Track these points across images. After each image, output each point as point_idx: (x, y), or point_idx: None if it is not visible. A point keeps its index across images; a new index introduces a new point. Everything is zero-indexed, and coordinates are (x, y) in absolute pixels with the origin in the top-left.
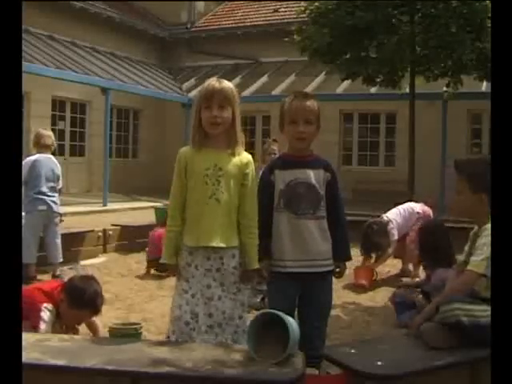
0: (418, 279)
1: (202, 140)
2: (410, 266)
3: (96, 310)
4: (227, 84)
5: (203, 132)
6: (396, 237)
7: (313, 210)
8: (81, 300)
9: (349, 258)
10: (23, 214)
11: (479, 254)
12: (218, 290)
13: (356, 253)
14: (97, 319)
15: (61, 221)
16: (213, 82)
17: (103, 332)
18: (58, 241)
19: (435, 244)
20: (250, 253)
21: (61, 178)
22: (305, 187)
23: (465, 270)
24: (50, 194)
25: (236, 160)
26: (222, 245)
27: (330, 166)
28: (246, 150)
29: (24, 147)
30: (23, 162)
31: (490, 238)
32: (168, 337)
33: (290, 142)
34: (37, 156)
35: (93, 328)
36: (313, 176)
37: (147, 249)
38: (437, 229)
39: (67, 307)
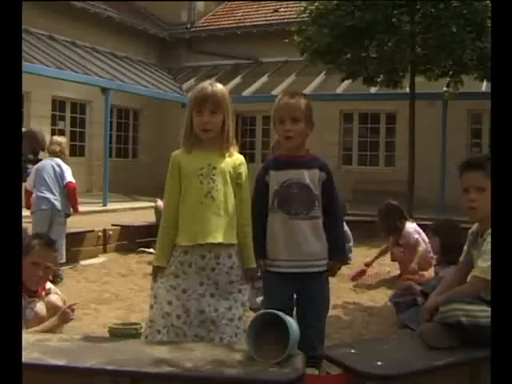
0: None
1: (194, 143)
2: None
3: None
4: (219, 88)
5: (195, 135)
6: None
7: (306, 210)
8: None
9: (345, 259)
10: (29, 213)
11: (487, 260)
12: (212, 288)
13: (356, 253)
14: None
15: (67, 216)
16: (205, 85)
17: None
18: (61, 241)
19: (454, 240)
20: (247, 252)
21: (67, 175)
22: (298, 187)
23: (474, 276)
24: (53, 191)
25: (229, 160)
26: (220, 240)
27: (326, 166)
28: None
29: None
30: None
31: None
32: (146, 336)
33: (281, 142)
34: (41, 162)
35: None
36: (307, 176)
37: None
38: (456, 225)
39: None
